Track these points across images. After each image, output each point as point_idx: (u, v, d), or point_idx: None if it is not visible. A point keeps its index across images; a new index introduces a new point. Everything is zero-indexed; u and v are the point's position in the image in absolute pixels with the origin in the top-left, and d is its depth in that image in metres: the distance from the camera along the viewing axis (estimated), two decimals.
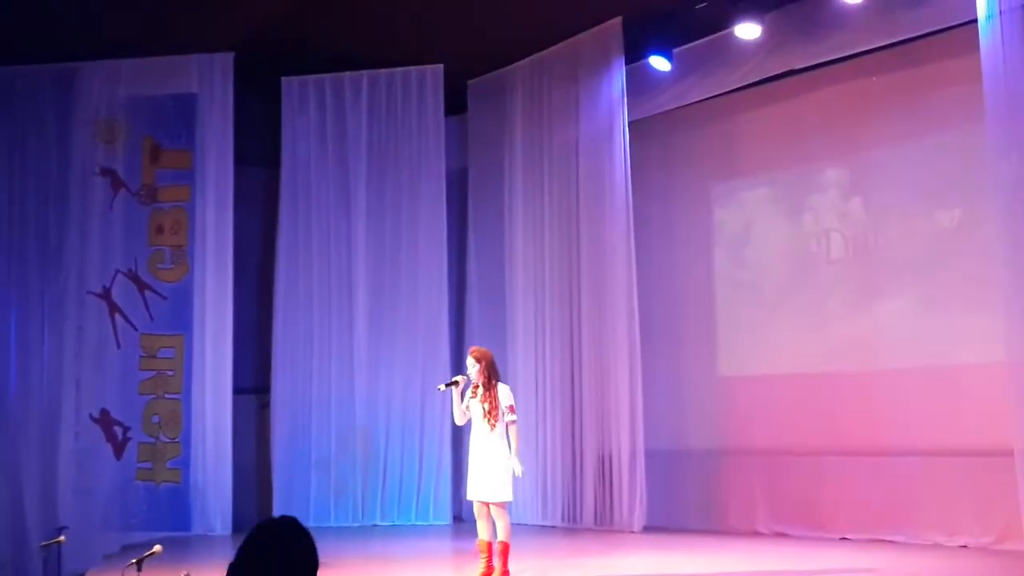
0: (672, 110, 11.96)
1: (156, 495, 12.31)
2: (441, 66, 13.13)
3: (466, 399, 8.08)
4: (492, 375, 8.00)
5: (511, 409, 7.92)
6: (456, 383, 8.10)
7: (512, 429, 7.91)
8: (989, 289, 9.07)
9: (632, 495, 11.27)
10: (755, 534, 10.83)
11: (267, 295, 13.33)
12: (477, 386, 8.01)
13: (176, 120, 12.83)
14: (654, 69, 11.72)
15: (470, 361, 8.05)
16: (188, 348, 12.49)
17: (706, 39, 11.42)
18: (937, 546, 9.42)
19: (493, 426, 7.88)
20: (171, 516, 12.16)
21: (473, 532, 8.23)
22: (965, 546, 9.30)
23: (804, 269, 11.15)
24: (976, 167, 9.24)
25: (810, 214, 11.15)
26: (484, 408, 7.90)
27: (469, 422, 8.10)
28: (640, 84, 11.86)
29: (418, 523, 12.65)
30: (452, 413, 8.25)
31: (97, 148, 12.77)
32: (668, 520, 11.40)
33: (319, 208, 13.24)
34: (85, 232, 12.62)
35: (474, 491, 7.97)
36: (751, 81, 11.15)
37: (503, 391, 7.96)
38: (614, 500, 11.48)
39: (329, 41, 12.56)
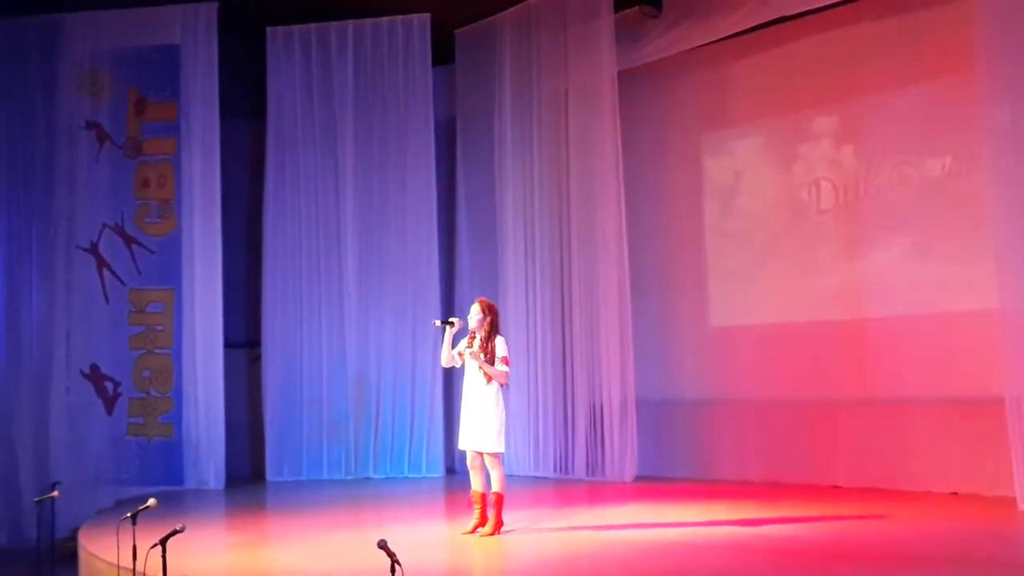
0: (662, 59, 11.83)
1: (148, 450, 12.33)
2: (428, 15, 13.00)
3: (459, 346, 8.06)
4: (494, 329, 7.98)
5: (504, 360, 7.92)
6: (451, 323, 8.09)
7: (499, 371, 7.88)
8: (980, 236, 9.07)
9: (623, 445, 11.32)
10: (746, 483, 10.89)
11: (255, 248, 13.26)
12: (474, 336, 7.99)
13: (160, 72, 12.71)
14: (644, 17, 11.58)
15: (475, 309, 8.03)
16: (177, 302, 12.46)
17: None
18: (927, 493, 9.50)
19: (489, 379, 7.88)
20: (164, 471, 12.22)
21: (466, 484, 8.25)
22: (955, 493, 9.38)
23: (795, 218, 11.12)
24: (968, 114, 9.20)
25: (801, 163, 11.10)
26: (482, 358, 7.89)
27: (460, 370, 8.12)
28: (630, 32, 11.74)
29: (411, 475, 12.69)
30: (441, 353, 8.23)
31: (82, 101, 12.64)
32: (659, 470, 11.48)
33: (306, 159, 13.15)
34: (72, 186, 12.53)
35: (466, 441, 7.98)
36: (742, 29, 11.02)
37: (499, 343, 7.95)
38: (605, 451, 11.53)
39: None
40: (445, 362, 8.19)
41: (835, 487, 10.19)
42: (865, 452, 10.10)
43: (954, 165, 9.86)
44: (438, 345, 8.33)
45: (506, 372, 7.95)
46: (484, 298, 8.31)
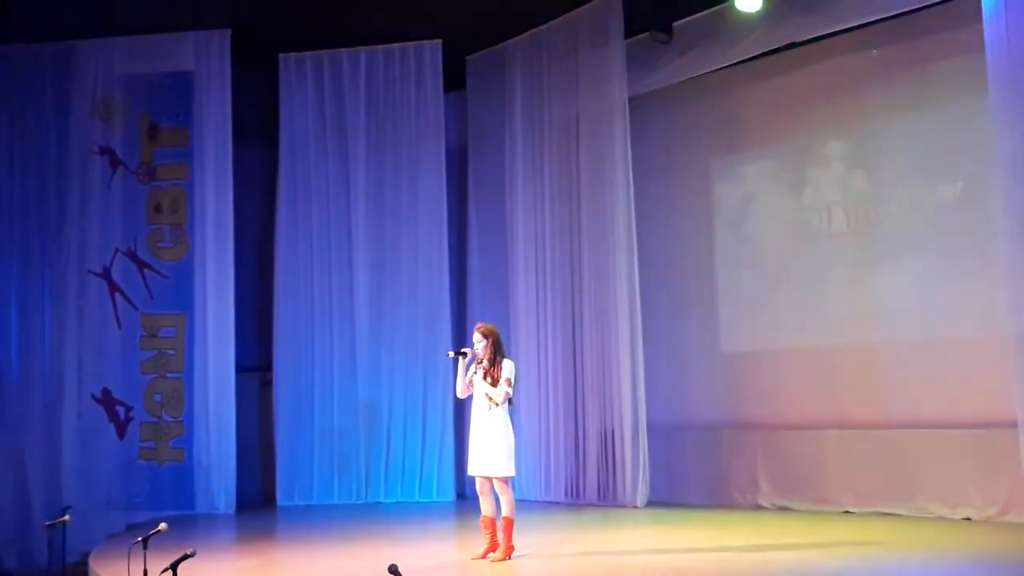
0: (672, 85, 11.87)
1: (159, 474, 12.34)
2: (439, 42, 13.08)
3: (470, 373, 8.06)
4: (497, 352, 7.98)
5: (508, 382, 7.87)
6: (464, 354, 8.09)
7: (496, 391, 7.86)
8: (991, 261, 9.05)
9: (635, 471, 11.28)
10: (758, 508, 10.85)
11: (267, 273, 13.32)
12: (482, 361, 7.99)
13: (173, 98, 12.80)
14: (654, 43, 11.63)
15: (477, 337, 8.04)
16: (189, 327, 12.50)
17: (706, 12, 11.32)
18: (940, 519, 9.45)
19: (497, 403, 7.86)
20: (175, 495, 12.22)
21: (476, 509, 8.24)
22: (968, 518, 9.31)
23: (805, 243, 11.11)
24: (978, 139, 9.21)
25: (811, 187, 11.11)
26: (487, 384, 7.89)
27: (470, 397, 8.11)
28: (640, 58, 11.78)
29: (422, 500, 12.68)
30: (455, 385, 8.24)
31: (95, 126, 12.74)
32: (671, 495, 11.43)
33: (318, 185, 13.21)
34: (84, 211, 12.61)
35: (476, 466, 7.97)
36: (752, 55, 11.05)
37: (506, 366, 7.93)
38: (617, 476, 11.49)
39: (326, 17, 12.48)
40: (461, 393, 8.17)
41: (847, 513, 10.15)
42: (877, 478, 10.05)
43: (965, 190, 9.85)
44: (449, 369, 8.32)
45: (504, 392, 7.87)
46: (482, 323, 8.33)
